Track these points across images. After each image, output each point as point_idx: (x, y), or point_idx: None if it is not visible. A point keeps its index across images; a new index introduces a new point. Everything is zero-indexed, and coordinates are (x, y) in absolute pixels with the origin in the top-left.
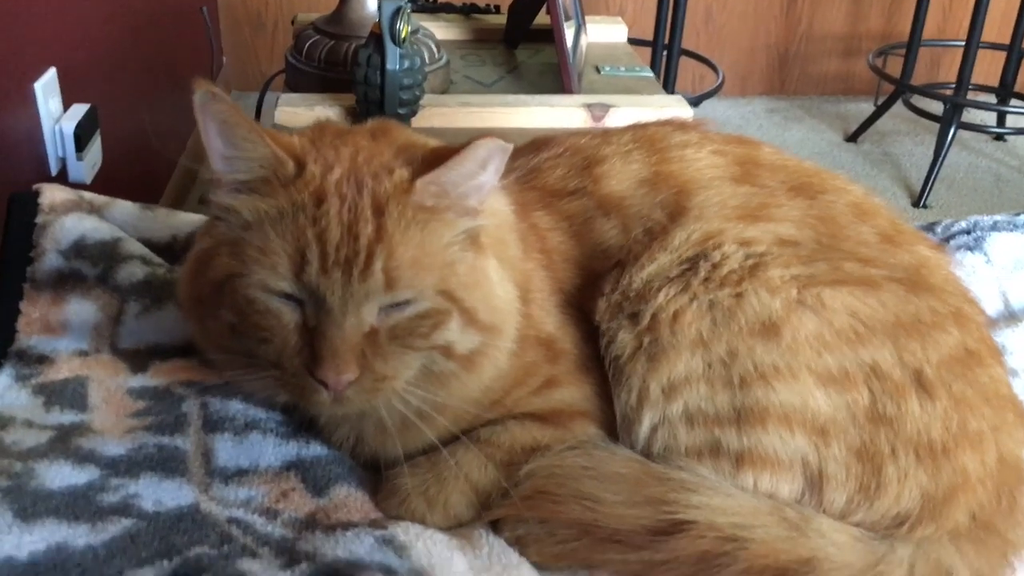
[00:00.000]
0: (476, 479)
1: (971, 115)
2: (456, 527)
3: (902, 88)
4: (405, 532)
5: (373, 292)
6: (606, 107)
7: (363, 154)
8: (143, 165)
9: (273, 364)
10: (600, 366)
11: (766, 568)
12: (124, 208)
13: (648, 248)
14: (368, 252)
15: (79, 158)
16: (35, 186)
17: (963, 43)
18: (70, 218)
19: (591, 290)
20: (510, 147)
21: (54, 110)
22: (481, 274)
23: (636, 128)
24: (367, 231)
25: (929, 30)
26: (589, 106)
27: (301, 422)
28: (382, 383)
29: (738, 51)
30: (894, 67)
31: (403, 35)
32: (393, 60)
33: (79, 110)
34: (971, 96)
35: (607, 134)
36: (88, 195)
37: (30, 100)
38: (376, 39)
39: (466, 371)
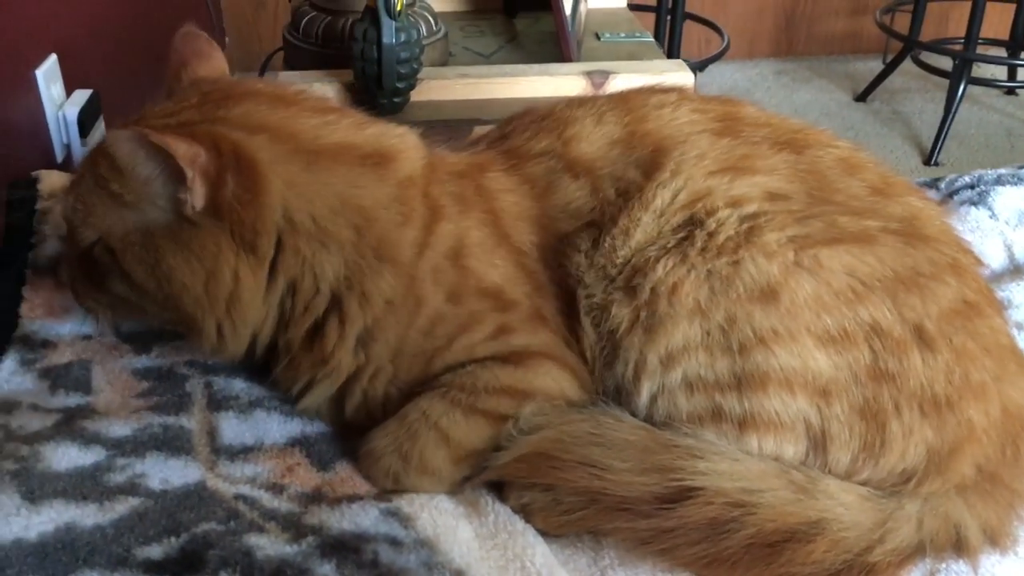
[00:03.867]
0: (446, 427)
1: (981, 70)
2: (446, 486)
3: (910, 45)
4: (410, 503)
5: None
6: (606, 74)
7: None
8: None
9: None
10: (560, 320)
11: (775, 532)
12: None
13: (625, 209)
14: None
15: (83, 144)
16: (33, 173)
17: None
18: None
19: (561, 247)
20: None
21: (56, 96)
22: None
23: (614, 93)
24: None
25: None
26: (589, 74)
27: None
28: None
29: (743, 13)
30: (902, 24)
31: (399, 8)
32: (389, 34)
33: (82, 96)
34: (981, 50)
35: (584, 99)
36: None
37: (32, 87)
38: (372, 13)
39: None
